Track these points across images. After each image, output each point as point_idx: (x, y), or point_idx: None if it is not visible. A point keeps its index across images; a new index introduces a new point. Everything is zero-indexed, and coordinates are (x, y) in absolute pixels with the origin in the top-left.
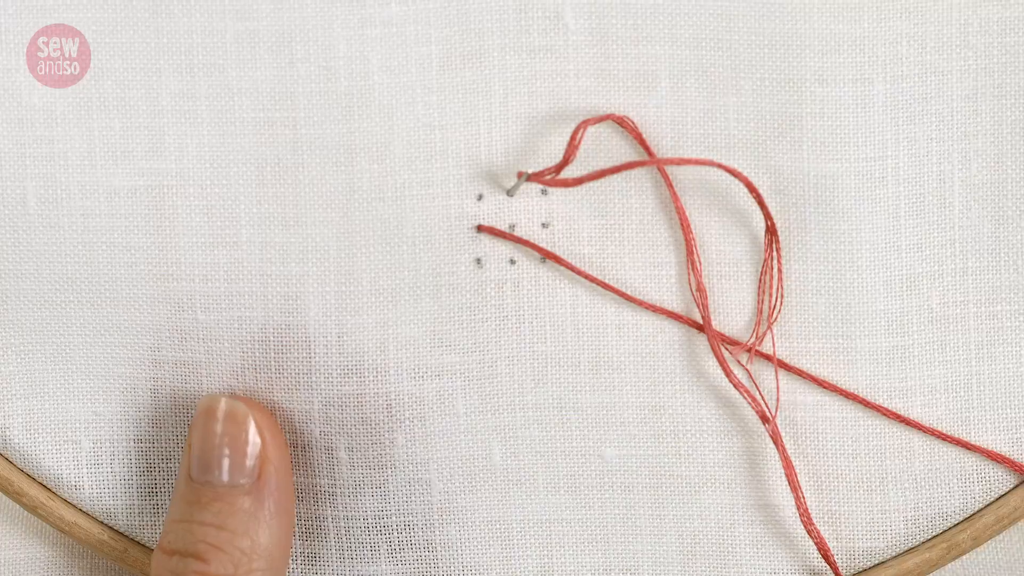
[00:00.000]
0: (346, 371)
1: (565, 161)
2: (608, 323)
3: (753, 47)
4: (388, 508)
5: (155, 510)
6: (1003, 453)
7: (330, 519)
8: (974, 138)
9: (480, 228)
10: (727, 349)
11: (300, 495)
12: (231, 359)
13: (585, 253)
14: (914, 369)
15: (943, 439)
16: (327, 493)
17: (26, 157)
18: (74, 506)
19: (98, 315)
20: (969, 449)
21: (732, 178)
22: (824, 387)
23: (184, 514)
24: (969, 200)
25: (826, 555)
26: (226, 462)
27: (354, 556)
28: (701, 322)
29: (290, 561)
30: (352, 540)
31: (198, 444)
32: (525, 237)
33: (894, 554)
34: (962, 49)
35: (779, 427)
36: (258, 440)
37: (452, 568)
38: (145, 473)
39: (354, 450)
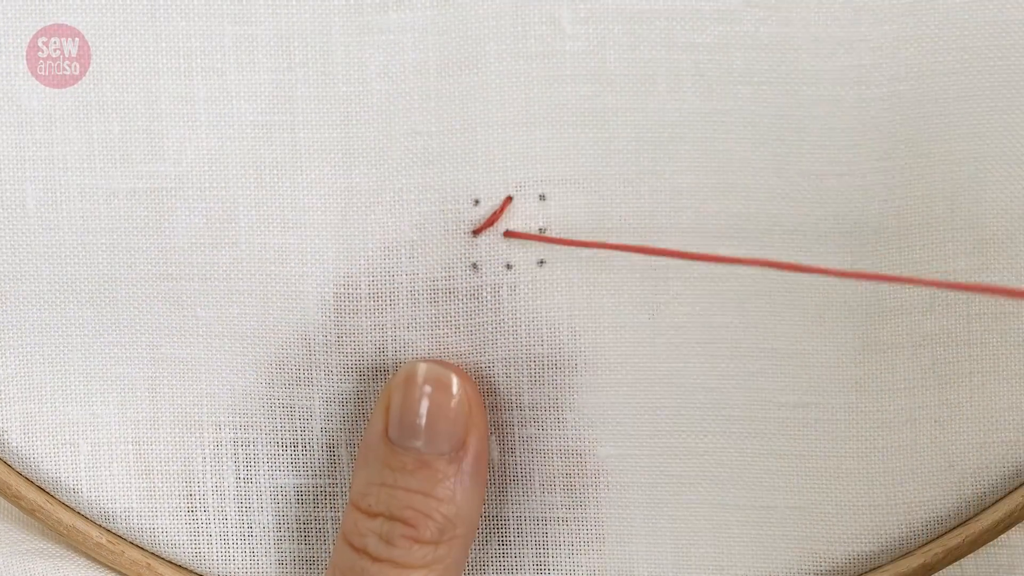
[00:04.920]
0: (346, 369)
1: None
2: (604, 325)
3: (751, 50)
4: None
5: (153, 513)
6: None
7: (330, 520)
8: (976, 140)
9: (475, 232)
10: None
11: (299, 496)
12: (230, 356)
13: (583, 256)
14: None
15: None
16: (327, 494)
17: (25, 160)
18: (72, 509)
19: (97, 314)
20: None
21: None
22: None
23: (387, 478)
24: (975, 199)
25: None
26: (433, 429)
27: None
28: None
29: (288, 564)
30: None
31: (404, 408)
32: (521, 242)
33: (891, 559)
34: (959, 52)
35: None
36: (464, 409)
37: None
38: (143, 476)
39: (355, 448)
